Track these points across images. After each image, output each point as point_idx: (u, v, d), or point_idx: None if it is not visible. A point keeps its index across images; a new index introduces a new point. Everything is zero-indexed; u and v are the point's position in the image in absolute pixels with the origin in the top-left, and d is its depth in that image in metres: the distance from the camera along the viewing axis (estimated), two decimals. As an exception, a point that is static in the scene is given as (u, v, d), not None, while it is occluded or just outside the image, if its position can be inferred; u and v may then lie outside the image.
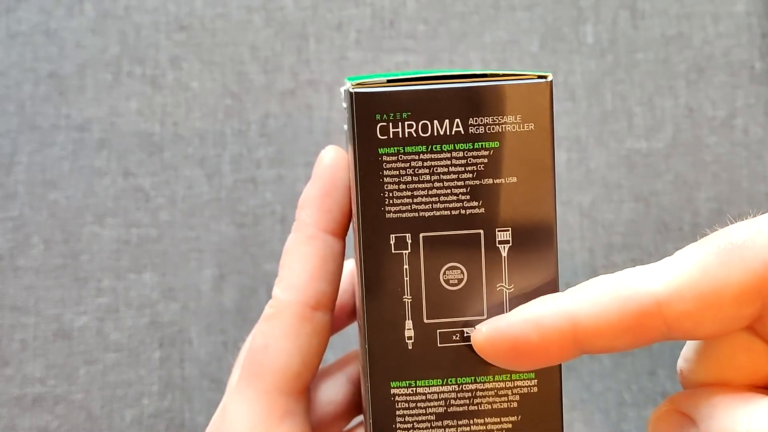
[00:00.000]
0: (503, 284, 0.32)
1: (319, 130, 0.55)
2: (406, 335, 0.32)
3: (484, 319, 0.31)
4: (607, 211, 0.55)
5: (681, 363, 0.30)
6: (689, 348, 0.30)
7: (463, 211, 0.31)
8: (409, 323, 0.32)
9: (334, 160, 0.35)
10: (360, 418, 0.42)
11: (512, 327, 0.29)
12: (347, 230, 0.36)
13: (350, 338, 0.45)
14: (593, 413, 0.54)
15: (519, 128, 0.31)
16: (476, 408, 0.33)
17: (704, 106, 0.56)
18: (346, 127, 0.34)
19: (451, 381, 0.32)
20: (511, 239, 0.32)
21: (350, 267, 0.40)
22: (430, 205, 0.31)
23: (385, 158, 0.31)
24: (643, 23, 0.56)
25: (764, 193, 0.55)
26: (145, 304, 0.54)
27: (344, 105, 0.34)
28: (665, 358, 0.54)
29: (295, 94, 0.55)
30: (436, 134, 0.31)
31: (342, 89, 0.35)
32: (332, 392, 0.41)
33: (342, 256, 0.36)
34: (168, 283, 0.54)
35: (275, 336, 0.35)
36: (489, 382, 0.32)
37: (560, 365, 0.32)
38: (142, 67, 0.55)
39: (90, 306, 0.54)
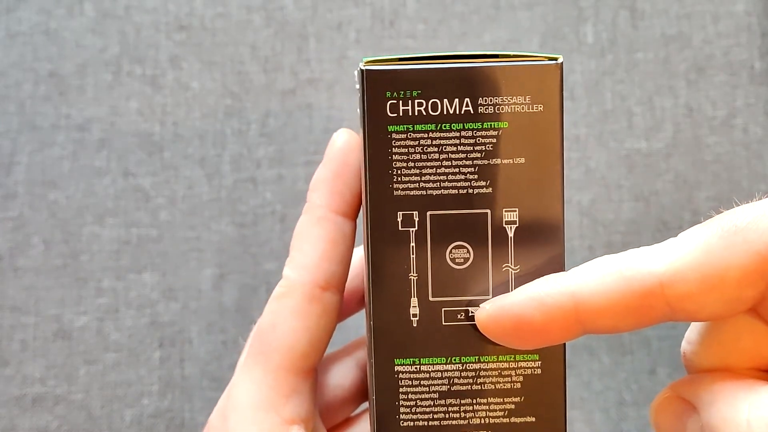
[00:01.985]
0: (509, 264, 0.32)
1: (319, 129, 0.55)
2: (411, 313, 0.32)
3: (489, 299, 0.31)
4: (607, 211, 0.55)
5: (684, 345, 0.30)
6: (693, 330, 0.30)
7: (470, 191, 0.32)
8: (414, 301, 0.32)
9: (347, 143, 0.35)
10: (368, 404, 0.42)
11: (515, 305, 0.29)
12: (358, 212, 0.36)
13: (351, 331, 0.45)
14: (593, 412, 0.54)
15: (528, 109, 0.31)
16: (479, 387, 0.33)
17: (704, 106, 0.56)
18: (359, 110, 0.35)
19: (455, 360, 0.32)
20: (518, 220, 0.32)
21: (361, 253, 0.40)
22: (438, 183, 0.32)
23: (394, 136, 0.31)
24: (643, 23, 0.56)
25: (764, 192, 0.55)
26: (145, 304, 0.54)
27: (357, 86, 0.34)
28: (665, 357, 0.54)
29: (295, 94, 0.55)
30: (445, 113, 0.31)
31: (355, 71, 0.35)
32: (340, 376, 0.41)
33: (353, 238, 0.36)
34: (168, 282, 0.54)
35: (284, 315, 0.35)
36: (493, 361, 0.32)
37: (564, 346, 0.32)
38: (142, 67, 0.55)
39: (90, 306, 0.53)
